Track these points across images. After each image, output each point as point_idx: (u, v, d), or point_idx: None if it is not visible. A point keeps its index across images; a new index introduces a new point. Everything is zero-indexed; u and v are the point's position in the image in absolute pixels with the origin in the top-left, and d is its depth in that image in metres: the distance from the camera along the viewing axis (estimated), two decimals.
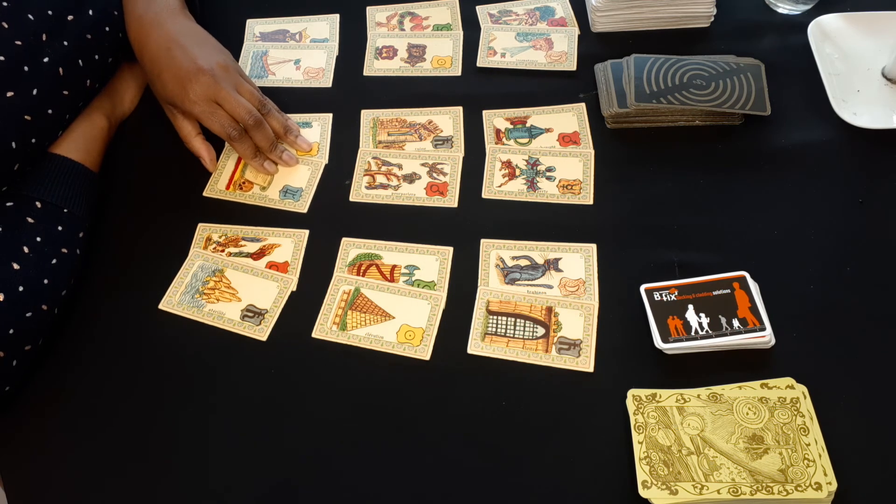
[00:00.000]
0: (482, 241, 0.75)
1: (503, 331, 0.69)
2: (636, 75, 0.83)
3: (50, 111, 0.72)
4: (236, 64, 0.80)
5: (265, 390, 0.67)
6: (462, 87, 0.89)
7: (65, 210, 0.71)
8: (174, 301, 0.73)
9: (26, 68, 0.69)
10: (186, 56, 0.76)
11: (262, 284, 0.73)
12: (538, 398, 0.65)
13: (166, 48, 0.76)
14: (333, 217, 0.78)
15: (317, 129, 0.86)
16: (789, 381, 0.63)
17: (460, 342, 0.69)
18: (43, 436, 0.65)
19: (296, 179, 0.82)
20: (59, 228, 0.70)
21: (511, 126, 0.85)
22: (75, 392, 0.68)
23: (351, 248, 0.76)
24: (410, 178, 0.81)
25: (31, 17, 0.70)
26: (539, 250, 0.74)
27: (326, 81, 0.91)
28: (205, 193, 0.81)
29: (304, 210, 0.79)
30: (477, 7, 0.97)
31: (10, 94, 0.68)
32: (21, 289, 0.65)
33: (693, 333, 0.66)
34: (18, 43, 0.69)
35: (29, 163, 0.72)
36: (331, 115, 0.87)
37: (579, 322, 0.69)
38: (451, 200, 0.79)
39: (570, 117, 0.85)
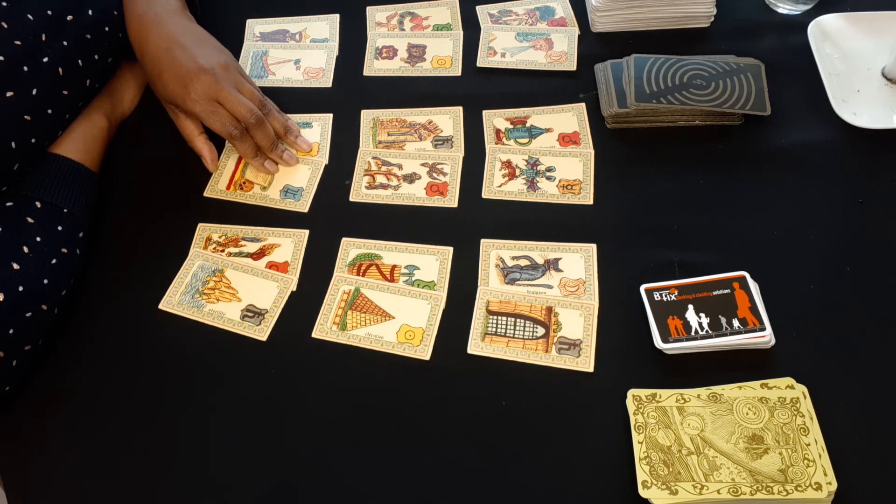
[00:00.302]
0: (482, 241, 0.75)
1: (503, 331, 0.69)
2: (636, 75, 0.83)
3: (49, 111, 0.72)
4: (237, 63, 0.80)
5: (265, 390, 0.67)
6: (462, 87, 0.89)
7: (65, 210, 0.71)
8: (174, 301, 0.73)
9: (26, 68, 0.69)
10: (187, 55, 0.76)
11: (262, 284, 0.73)
12: (538, 398, 0.65)
13: (167, 48, 0.76)
14: (333, 217, 0.78)
15: (317, 130, 0.86)
16: (789, 381, 0.63)
17: (460, 342, 0.69)
18: (43, 436, 0.65)
19: (296, 179, 0.81)
20: (59, 228, 0.70)
21: (511, 126, 0.85)
22: (75, 392, 0.68)
23: (351, 248, 0.76)
24: (410, 178, 0.81)
25: (30, 17, 0.70)
26: (539, 250, 0.74)
27: (326, 81, 0.91)
28: (205, 194, 0.81)
29: (305, 209, 0.79)
30: (477, 7, 0.97)
31: (9, 94, 0.68)
32: (21, 289, 0.65)
33: (693, 333, 0.66)
34: (18, 43, 0.69)
35: (29, 163, 0.72)
36: (331, 115, 0.87)
37: (579, 322, 0.69)
38: (451, 200, 0.79)
39: (570, 117, 0.85)
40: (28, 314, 0.65)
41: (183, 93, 0.76)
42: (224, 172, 0.82)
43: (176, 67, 0.76)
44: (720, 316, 0.67)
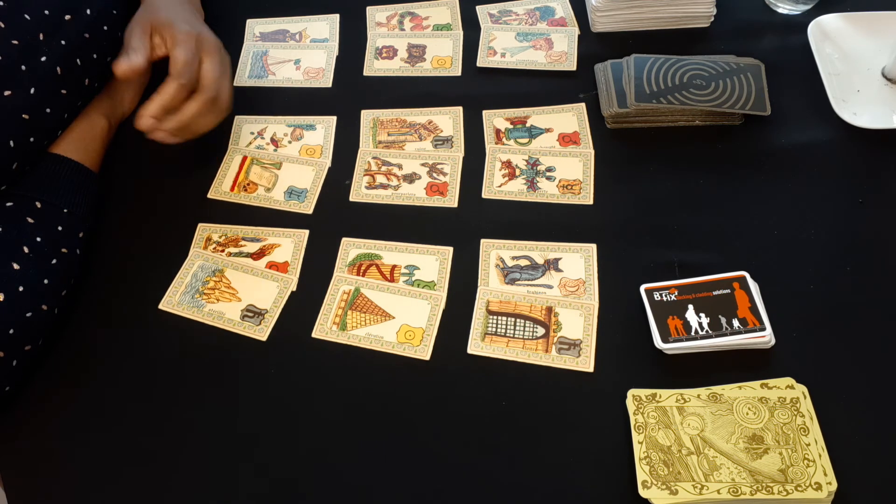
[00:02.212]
0: (482, 241, 0.75)
1: (503, 331, 0.69)
2: (636, 75, 0.83)
3: (48, 110, 0.72)
4: (229, 60, 0.79)
5: (265, 390, 0.67)
6: (462, 87, 0.89)
7: (65, 210, 0.71)
8: (174, 301, 0.73)
9: (24, 68, 0.69)
10: (195, 17, 0.79)
11: (262, 284, 0.73)
12: (538, 398, 0.65)
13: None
14: (333, 217, 0.78)
15: (320, 132, 0.86)
16: (789, 381, 0.63)
17: (460, 342, 0.69)
18: (43, 436, 0.65)
19: (300, 181, 0.81)
20: (59, 228, 0.70)
21: (511, 126, 0.85)
22: (75, 392, 0.68)
23: (351, 248, 0.76)
24: (410, 178, 0.81)
25: (27, 16, 0.70)
26: (539, 250, 0.74)
27: (326, 81, 0.91)
28: (209, 195, 0.81)
29: (310, 211, 0.79)
30: (477, 7, 0.97)
31: (7, 93, 0.68)
32: (21, 289, 0.65)
33: (693, 333, 0.66)
34: (16, 42, 0.69)
35: (28, 162, 0.72)
36: (335, 117, 0.87)
37: (579, 322, 0.69)
38: (451, 200, 0.79)
39: (570, 117, 0.85)
40: (28, 314, 0.65)
41: (184, 15, 0.77)
42: (228, 174, 0.82)
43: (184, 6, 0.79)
44: (720, 316, 0.67)
